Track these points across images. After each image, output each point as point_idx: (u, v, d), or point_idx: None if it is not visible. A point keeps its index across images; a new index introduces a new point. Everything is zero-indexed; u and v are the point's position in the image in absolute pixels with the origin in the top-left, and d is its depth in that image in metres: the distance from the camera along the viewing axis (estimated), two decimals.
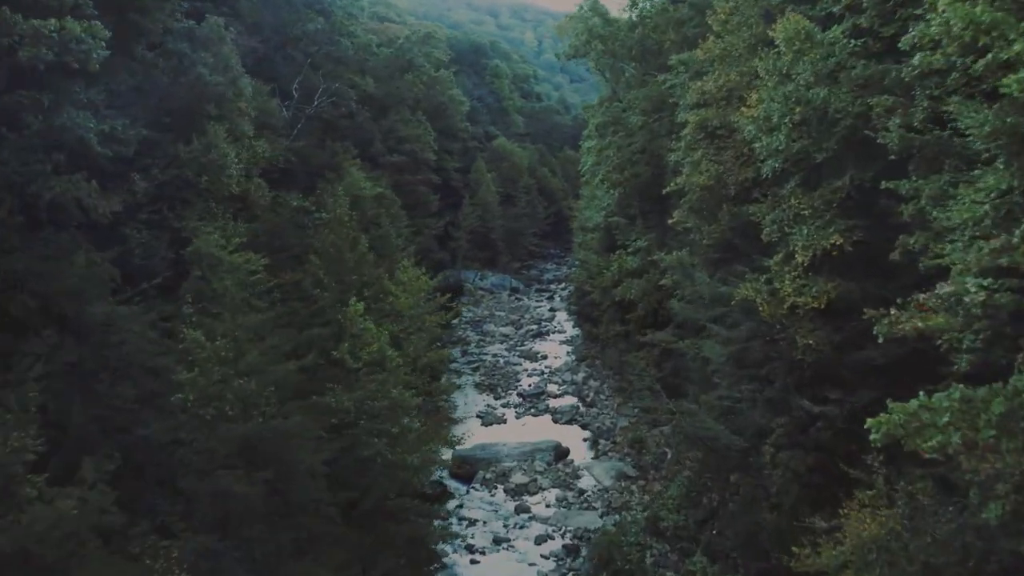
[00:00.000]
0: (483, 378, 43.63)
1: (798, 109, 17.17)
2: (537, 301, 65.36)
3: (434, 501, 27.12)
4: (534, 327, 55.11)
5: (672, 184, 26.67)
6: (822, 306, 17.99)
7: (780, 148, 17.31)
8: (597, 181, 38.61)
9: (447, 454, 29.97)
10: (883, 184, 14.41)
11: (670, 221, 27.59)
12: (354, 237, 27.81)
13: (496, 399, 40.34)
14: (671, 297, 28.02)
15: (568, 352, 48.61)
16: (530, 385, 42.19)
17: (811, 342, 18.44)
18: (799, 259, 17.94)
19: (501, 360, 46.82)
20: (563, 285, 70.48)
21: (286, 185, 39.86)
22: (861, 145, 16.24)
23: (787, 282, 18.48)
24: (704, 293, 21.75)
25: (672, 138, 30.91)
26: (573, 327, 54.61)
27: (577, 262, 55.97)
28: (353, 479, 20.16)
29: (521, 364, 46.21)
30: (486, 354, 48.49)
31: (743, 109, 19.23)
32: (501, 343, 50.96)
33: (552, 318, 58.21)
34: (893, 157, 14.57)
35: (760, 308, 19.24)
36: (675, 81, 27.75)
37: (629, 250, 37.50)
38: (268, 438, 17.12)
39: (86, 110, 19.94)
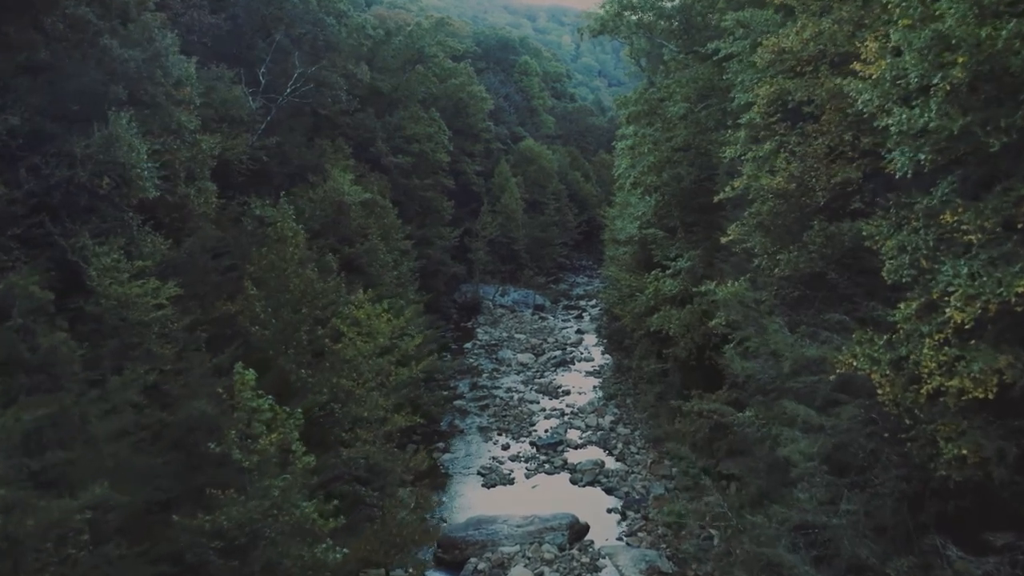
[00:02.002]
0: (492, 420, 36.59)
1: (961, 61, 9.89)
2: (563, 320, 58.12)
3: None
4: (557, 353, 47.87)
5: (727, 189, 19.43)
6: (990, 396, 10.82)
7: (930, 126, 10.02)
8: (629, 185, 31.35)
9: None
10: None
11: (723, 239, 20.32)
12: (300, 259, 21.02)
13: (504, 449, 33.25)
14: (725, 341, 20.69)
15: (595, 387, 41.30)
16: (547, 431, 35.01)
17: (964, 452, 11.27)
18: (953, 316, 10.68)
19: (515, 396, 39.70)
20: (593, 302, 63.16)
21: (256, 189, 33.56)
22: None
23: (927, 351, 11.25)
24: (781, 350, 14.43)
25: (725, 131, 23.67)
26: (602, 354, 47.30)
27: (607, 280, 48.54)
28: None
29: (538, 402, 39.04)
30: (499, 387, 41.41)
31: (856, 65, 11.90)
32: (518, 374, 43.83)
33: (579, 342, 50.93)
34: None
35: (877, 388, 11.98)
36: (731, 49, 20.43)
37: (668, 271, 30.11)
38: None
39: None
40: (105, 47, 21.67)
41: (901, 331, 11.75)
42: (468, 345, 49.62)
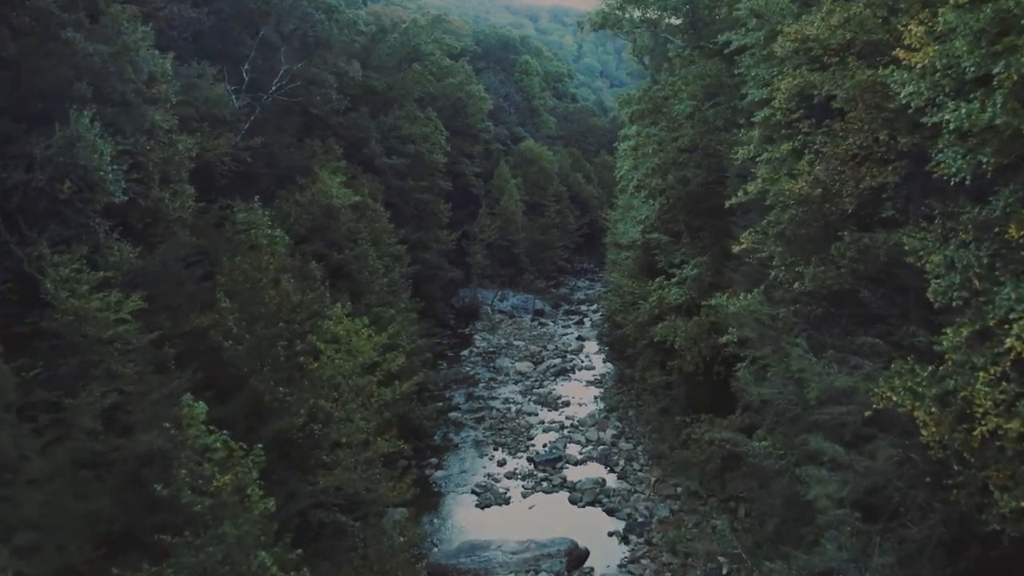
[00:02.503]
0: (488, 433, 34.96)
1: None
2: (564, 326, 56.44)
3: None
4: (557, 361, 46.20)
5: (739, 194, 17.80)
6: None
7: (996, 123, 8.39)
8: (632, 188, 29.70)
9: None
10: None
11: (735, 248, 18.70)
12: (276, 270, 19.39)
13: (500, 465, 31.61)
14: (737, 359, 19.05)
15: (596, 397, 39.64)
16: (545, 446, 33.36)
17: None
18: (1014, 346, 9.07)
19: (513, 408, 38.04)
20: (595, 307, 61.48)
21: (241, 192, 32.00)
22: None
23: (980, 386, 9.63)
24: (807, 378, 12.77)
25: (735, 130, 22.07)
26: (604, 362, 45.63)
27: (609, 286, 46.84)
28: None
29: (537, 414, 37.39)
30: (496, 398, 39.76)
31: (900, 53, 10.25)
32: (516, 383, 42.16)
33: (580, 349, 49.24)
34: None
35: (920, 427, 10.37)
36: (744, 41, 18.79)
37: (673, 279, 28.47)
38: None
39: None
40: (68, 41, 20.12)
41: (949, 362, 10.13)
42: (465, 352, 47.99)
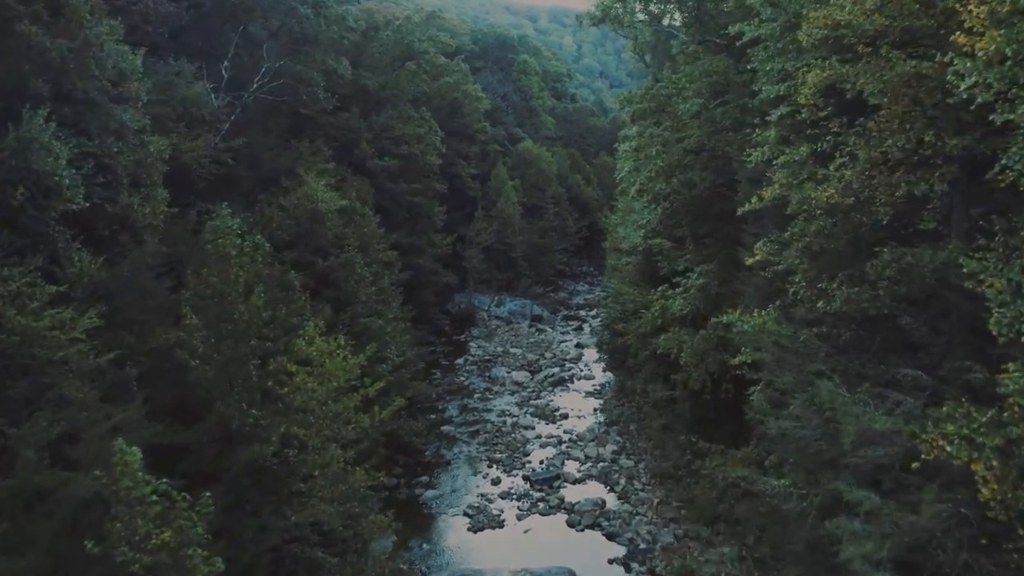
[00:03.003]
0: (482, 449, 33.33)
1: None
2: (563, 332, 54.84)
3: None
4: (555, 370, 44.57)
5: (752, 201, 16.19)
6: None
7: None
8: (634, 192, 28.09)
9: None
10: None
11: (748, 260, 17.10)
12: (247, 282, 17.77)
13: (495, 484, 29.97)
14: (751, 382, 17.43)
15: (595, 409, 38.02)
16: (542, 463, 31.74)
17: None
18: None
19: (508, 421, 36.40)
20: (594, 312, 59.88)
21: (223, 196, 30.44)
22: None
23: None
24: (839, 418, 11.11)
25: (744, 130, 20.50)
26: (603, 371, 44.01)
27: (608, 292, 45.19)
28: None
29: (534, 427, 35.75)
30: (491, 410, 38.14)
31: (959, 38, 8.62)
32: (512, 394, 40.52)
33: (579, 357, 47.61)
34: None
35: (979, 482, 8.73)
36: (758, 32, 17.17)
37: (678, 288, 26.84)
38: None
39: None
40: (24, 35, 18.55)
41: (1014, 407, 8.48)
42: (460, 361, 46.36)
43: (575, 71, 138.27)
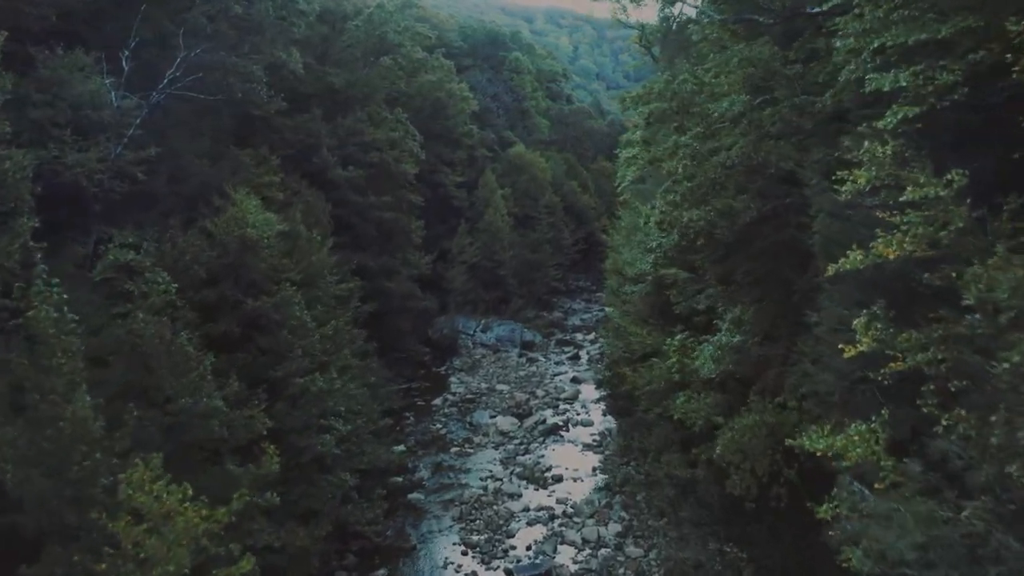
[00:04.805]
0: (456, 527, 27.09)
1: None
2: (556, 363, 48.61)
3: None
4: (548, 414, 38.36)
5: (850, 258, 10.14)
6: None
7: None
8: (654, 224, 22.00)
9: None
10: None
11: (847, 352, 10.93)
12: (71, 373, 11.52)
13: None
14: (822, 479, 11.29)
15: (595, 468, 31.80)
16: (530, 548, 25.52)
17: None
18: None
19: (491, 486, 30.14)
20: (592, 335, 53.80)
21: (133, 220, 24.40)
22: None
23: None
24: None
25: (803, 137, 14.49)
26: (603, 414, 37.86)
27: (608, 315, 38.85)
28: None
29: (520, 495, 29.50)
30: (469, 469, 31.89)
31: None
32: (496, 448, 34.27)
33: (575, 396, 41.35)
34: None
35: None
36: None
37: (710, 340, 20.64)
38: None
39: None
40: None
41: None
42: (437, 401, 40.09)
43: (571, 72, 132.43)
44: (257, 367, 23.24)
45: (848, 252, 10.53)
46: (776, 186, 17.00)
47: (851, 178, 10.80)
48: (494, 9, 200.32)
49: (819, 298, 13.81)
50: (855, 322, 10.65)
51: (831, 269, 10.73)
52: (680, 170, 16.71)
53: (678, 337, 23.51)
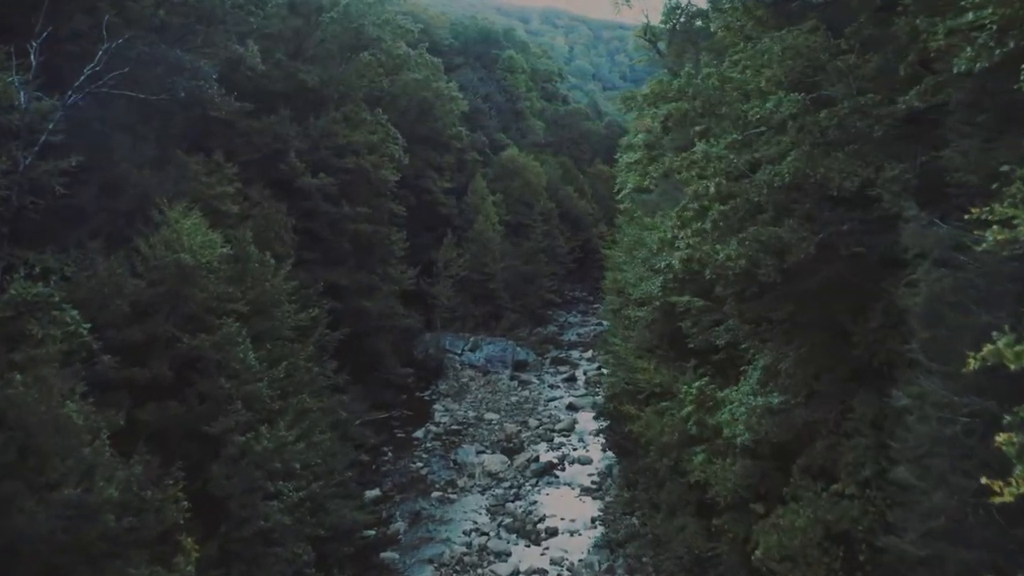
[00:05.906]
0: None
1: None
2: (551, 385, 44.83)
3: None
4: (541, 448, 34.58)
5: (990, 352, 6.21)
6: None
7: None
8: (661, 235, 18.28)
9: None
10: None
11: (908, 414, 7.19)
12: None
13: None
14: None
15: (594, 519, 27.96)
16: None
17: None
18: None
19: (475, 542, 26.29)
20: (589, 353, 50.01)
21: (54, 243, 20.72)
22: None
23: None
24: None
25: (856, 146, 10.80)
26: (603, 449, 34.05)
27: (606, 343, 34.89)
28: None
29: (511, 552, 25.66)
30: (452, 520, 28.03)
31: None
32: (483, 492, 30.38)
33: (572, 426, 37.54)
34: None
35: None
36: None
37: (738, 393, 16.90)
38: None
39: None
40: None
41: None
42: (419, 433, 36.22)
43: (567, 72, 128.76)
44: (194, 419, 19.46)
45: (993, 336, 6.79)
46: (831, 209, 13.23)
47: (995, 217, 7.06)
48: (489, 9, 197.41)
49: (912, 373, 10.01)
50: (1001, 441, 6.91)
51: (971, 363, 6.93)
52: (712, 189, 12.89)
53: (696, 384, 19.70)
